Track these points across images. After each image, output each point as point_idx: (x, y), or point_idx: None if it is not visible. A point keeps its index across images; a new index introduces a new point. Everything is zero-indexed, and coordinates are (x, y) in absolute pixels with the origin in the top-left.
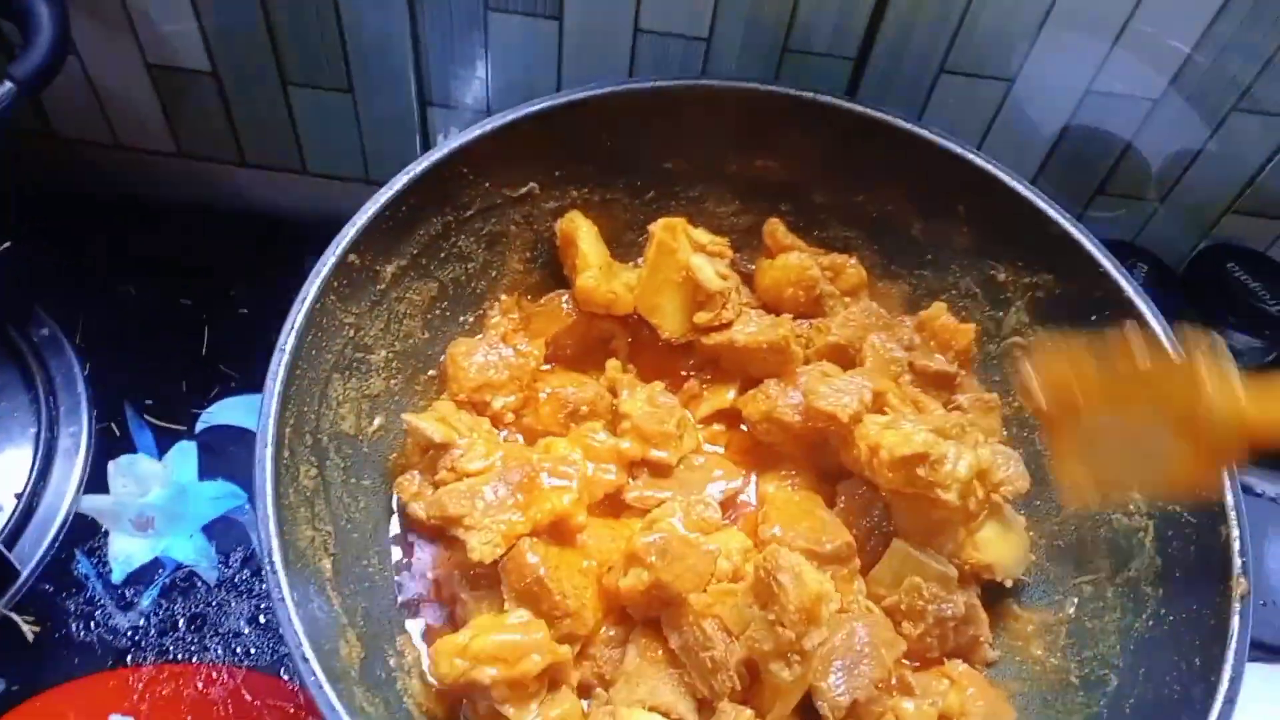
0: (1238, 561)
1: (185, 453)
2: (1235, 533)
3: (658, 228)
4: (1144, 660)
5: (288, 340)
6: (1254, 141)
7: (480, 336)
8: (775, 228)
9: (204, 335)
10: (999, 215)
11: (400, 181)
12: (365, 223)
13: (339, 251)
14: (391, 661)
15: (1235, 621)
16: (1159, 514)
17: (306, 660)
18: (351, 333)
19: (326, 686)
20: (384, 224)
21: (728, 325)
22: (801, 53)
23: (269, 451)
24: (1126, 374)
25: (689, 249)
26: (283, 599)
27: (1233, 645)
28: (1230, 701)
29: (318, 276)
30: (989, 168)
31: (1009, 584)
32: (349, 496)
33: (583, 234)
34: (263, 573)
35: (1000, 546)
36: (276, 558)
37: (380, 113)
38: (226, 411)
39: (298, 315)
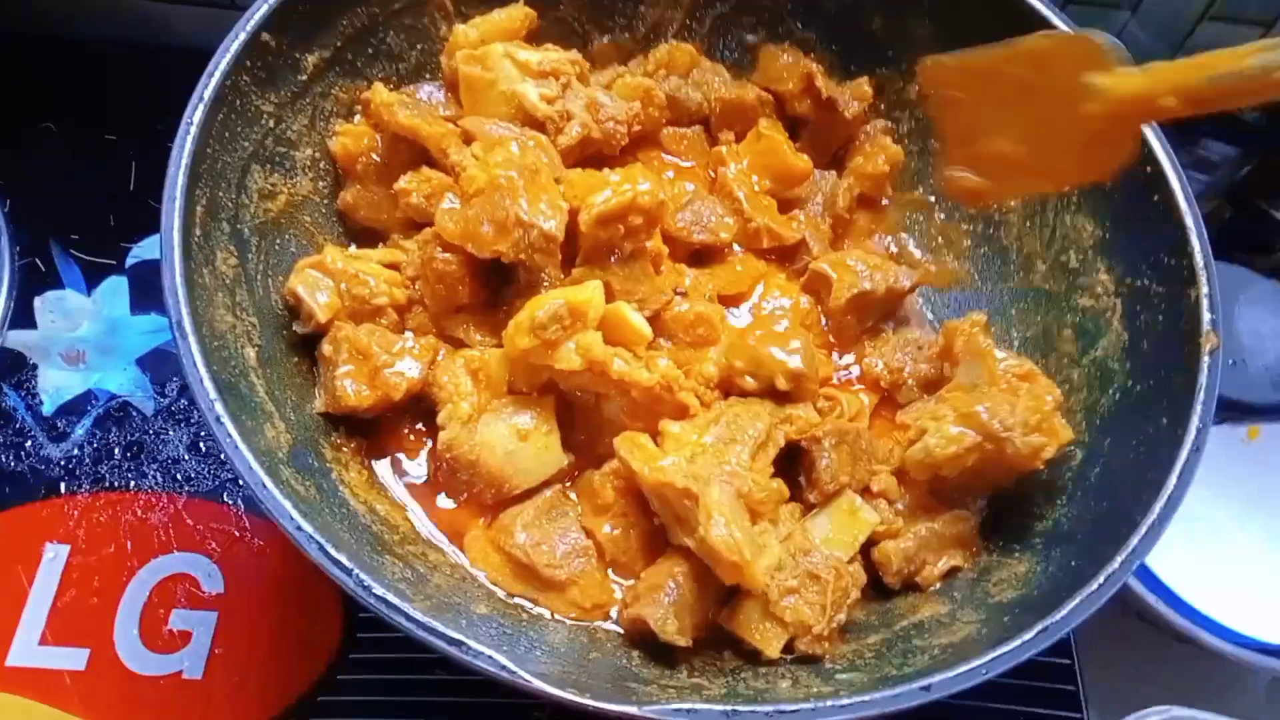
0: (1206, 318)
1: (115, 287)
2: (1205, 290)
3: (460, 61)
4: (1110, 433)
5: (194, 114)
6: None
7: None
8: None
9: (131, 170)
10: (961, 1)
11: None
12: None
13: (251, 27)
14: (326, 454)
15: (1203, 375)
16: (1127, 290)
17: (220, 420)
18: (271, 123)
19: (243, 448)
20: (301, 3)
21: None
22: None
23: (176, 223)
24: (1018, 56)
25: (511, 74)
26: (195, 366)
27: (1200, 397)
28: (1197, 450)
29: (227, 51)
30: None
31: None
32: (276, 294)
33: None
34: (174, 345)
35: None
36: (186, 322)
37: None
38: (157, 246)
39: (205, 89)
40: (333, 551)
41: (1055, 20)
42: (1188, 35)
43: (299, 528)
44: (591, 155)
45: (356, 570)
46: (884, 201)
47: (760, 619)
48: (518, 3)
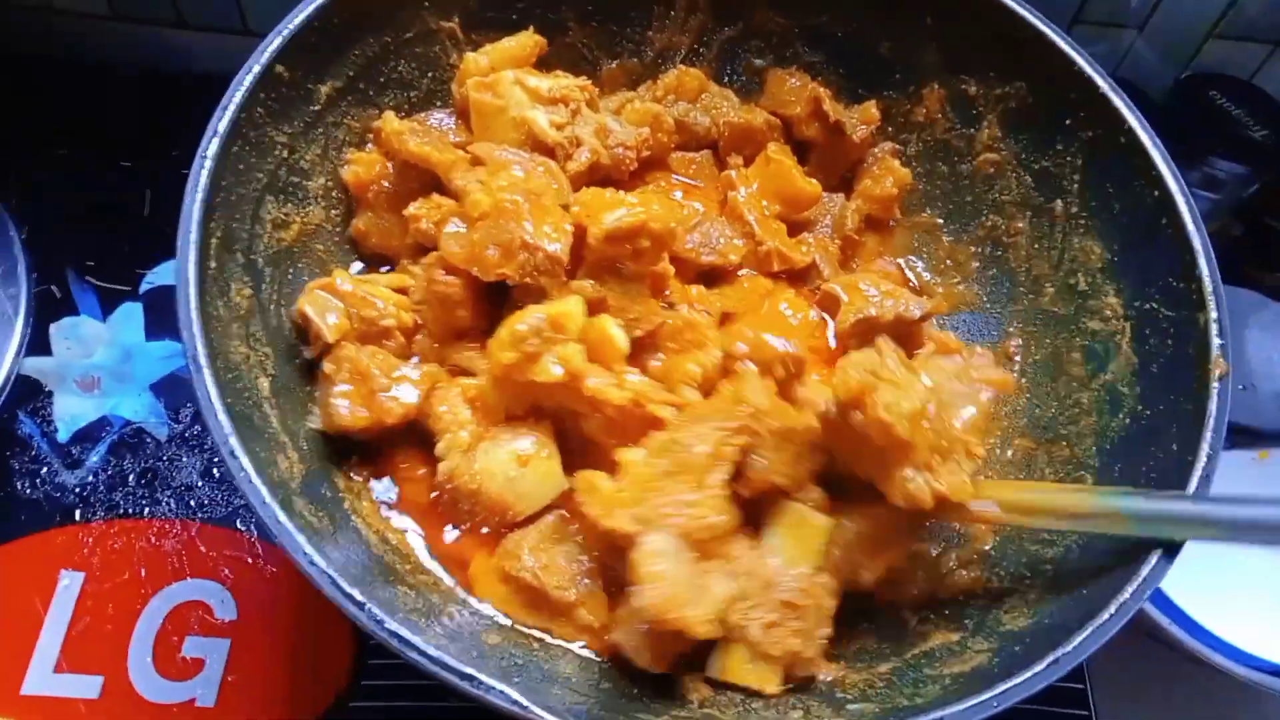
0: (1215, 343)
1: (131, 314)
2: (1214, 315)
3: (470, 88)
4: (1120, 458)
5: (208, 147)
6: None
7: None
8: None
9: (145, 196)
10: (968, 25)
11: None
12: (293, 31)
13: (264, 60)
14: (339, 483)
15: (1214, 402)
16: (1136, 314)
17: (234, 455)
18: (285, 154)
19: (256, 481)
20: (313, 35)
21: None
22: None
23: (191, 256)
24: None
25: (521, 101)
26: (209, 398)
27: (1210, 424)
28: (1207, 479)
29: (241, 85)
30: None
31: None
32: (290, 322)
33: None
34: (188, 371)
35: None
36: (201, 356)
37: None
38: (172, 273)
39: (219, 123)
40: (345, 586)
41: (1060, 42)
42: (1195, 54)
43: (312, 562)
44: (600, 180)
45: (369, 604)
46: (891, 223)
47: (750, 661)
48: (527, 30)
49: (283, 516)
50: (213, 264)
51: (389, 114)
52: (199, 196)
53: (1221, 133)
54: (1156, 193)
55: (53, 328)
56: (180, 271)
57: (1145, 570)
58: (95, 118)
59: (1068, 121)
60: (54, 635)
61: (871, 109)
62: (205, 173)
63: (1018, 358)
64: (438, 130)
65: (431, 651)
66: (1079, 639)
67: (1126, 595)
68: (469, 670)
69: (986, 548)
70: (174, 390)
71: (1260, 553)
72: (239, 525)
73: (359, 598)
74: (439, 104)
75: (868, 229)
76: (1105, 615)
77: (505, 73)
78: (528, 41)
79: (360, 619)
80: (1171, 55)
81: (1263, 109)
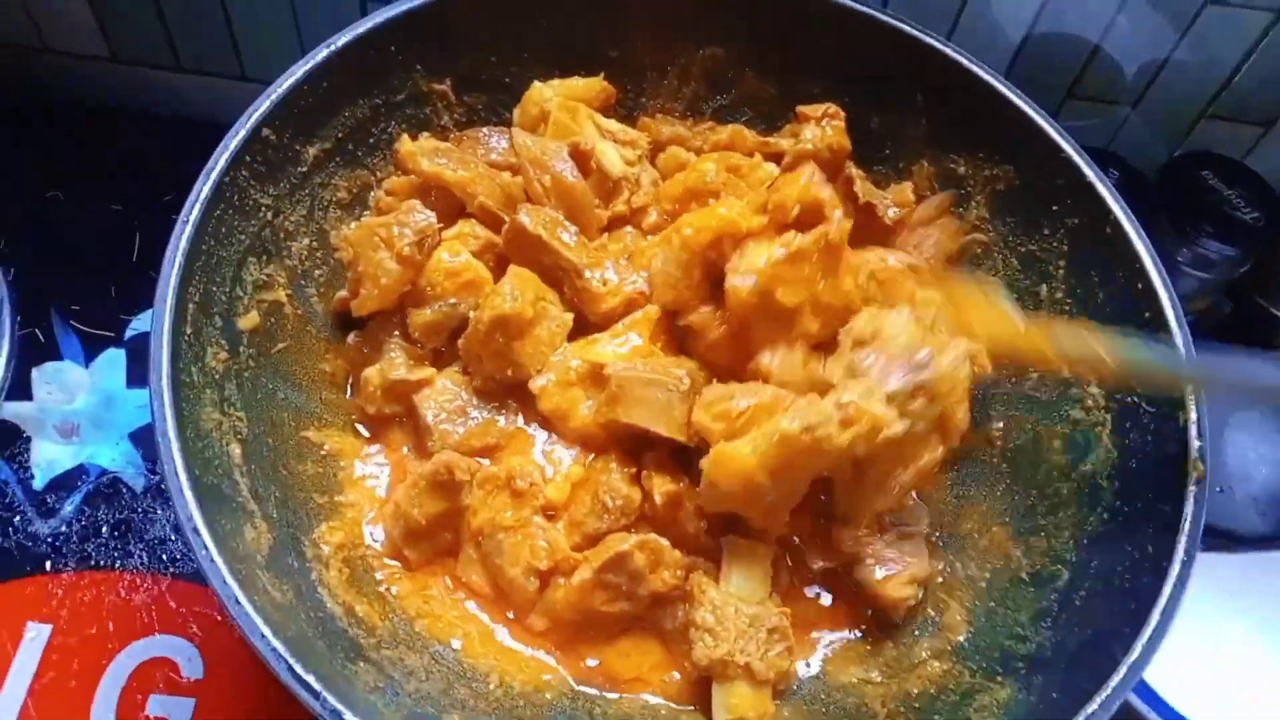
0: (1195, 444)
1: (113, 360)
2: (1194, 416)
3: (554, 107)
4: (1097, 554)
5: (190, 212)
6: (1229, 41)
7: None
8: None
9: (135, 241)
10: (958, 104)
11: (320, 54)
12: (281, 95)
13: (250, 125)
14: (307, 552)
15: (1190, 505)
16: (1117, 406)
17: (197, 532)
18: (269, 215)
19: (218, 560)
20: (303, 99)
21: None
22: None
23: (166, 324)
24: None
25: (593, 134)
26: (175, 474)
27: (1185, 529)
28: (1181, 584)
29: (226, 149)
30: (948, 51)
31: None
32: (269, 385)
33: None
34: (155, 443)
35: None
36: (170, 429)
37: (323, 16)
38: None
39: (203, 187)
40: (300, 671)
41: (1047, 128)
42: (1188, 133)
43: (270, 646)
44: (624, 221)
45: (324, 693)
46: None
47: (751, 690)
48: (598, 76)
49: (242, 597)
50: (188, 330)
51: (404, 137)
52: (178, 261)
53: (1212, 213)
54: (1140, 285)
55: (35, 372)
56: (154, 339)
57: (1114, 680)
58: (87, 159)
59: (1054, 207)
60: (18, 689)
61: (906, 191)
62: (185, 238)
63: (999, 442)
64: (484, 149)
65: None
66: None
67: (1094, 707)
68: None
69: (959, 638)
70: (153, 440)
71: (1245, 641)
72: (209, 581)
73: (315, 685)
74: None
75: None
76: None
77: (583, 106)
78: (596, 85)
79: (314, 707)
80: (1165, 132)
81: (1254, 190)
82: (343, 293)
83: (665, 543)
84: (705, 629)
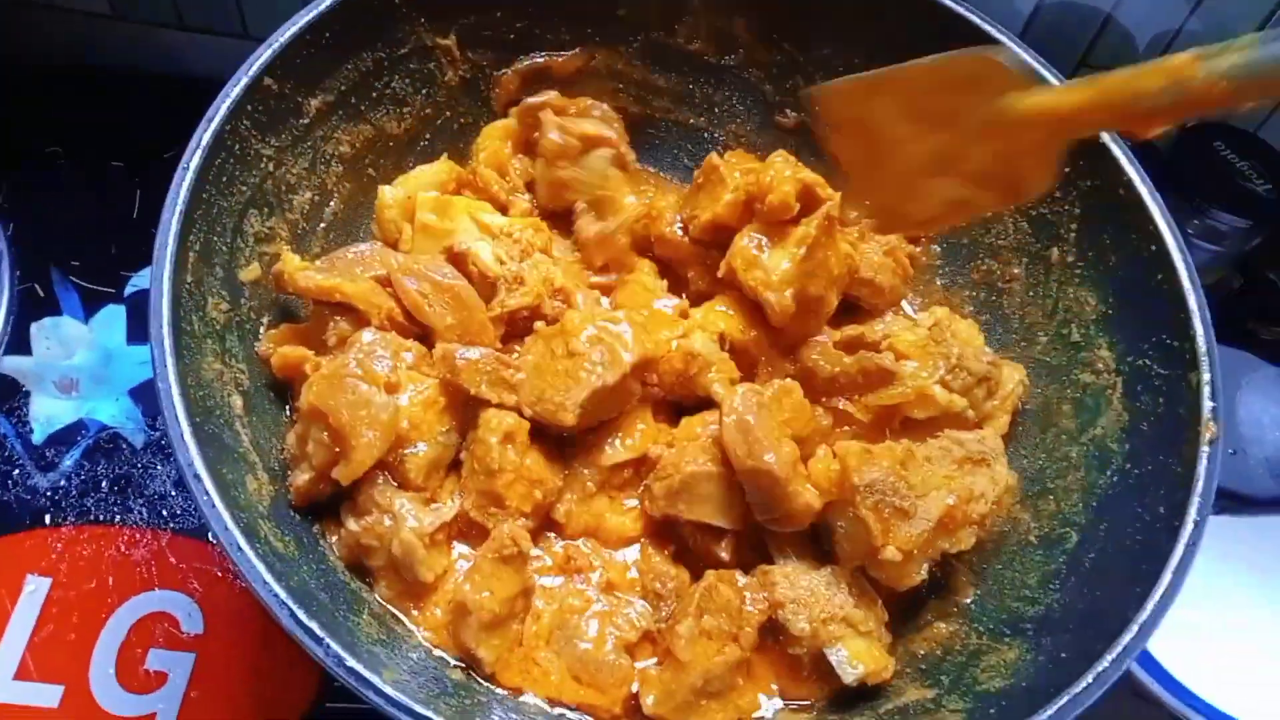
0: (1207, 405)
1: (113, 316)
2: (1206, 377)
3: (420, 206)
4: (1107, 516)
5: (191, 159)
6: (1241, 12)
7: None
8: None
9: (136, 198)
10: None
11: (323, 3)
12: (284, 44)
13: (252, 73)
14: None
15: (1202, 465)
16: (1128, 369)
17: (198, 478)
18: (271, 167)
19: (220, 506)
20: (305, 48)
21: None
22: None
23: (167, 270)
24: (918, 77)
25: (470, 231)
26: (176, 420)
27: (1198, 489)
28: (1193, 544)
29: (227, 96)
30: (962, 11)
31: None
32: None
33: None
34: (155, 389)
35: None
36: (171, 374)
37: None
38: None
39: (204, 134)
40: (304, 618)
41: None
42: None
43: (273, 593)
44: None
45: (328, 640)
46: None
47: (863, 642)
48: (442, 158)
49: (244, 544)
50: (189, 279)
51: (287, 252)
52: (178, 209)
53: (1224, 185)
54: (1153, 248)
55: (34, 327)
56: (154, 286)
57: (1126, 639)
58: (89, 116)
59: (1067, 169)
60: (17, 641)
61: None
62: (185, 185)
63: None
64: (354, 258)
65: (389, 692)
66: (1054, 708)
67: (1105, 664)
68: (426, 713)
69: (967, 601)
70: (153, 396)
71: (1248, 611)
72: (210, 537)
73: (318, 632)
74: (427, 139)
75: None
76: (1082, 685)
77: (459, 199)
78: (444, 170)
79: (317, 653)
80: None
81: (1267, 162)
82: (303, 478)
83: (734, 571)
84: (792, 601)
